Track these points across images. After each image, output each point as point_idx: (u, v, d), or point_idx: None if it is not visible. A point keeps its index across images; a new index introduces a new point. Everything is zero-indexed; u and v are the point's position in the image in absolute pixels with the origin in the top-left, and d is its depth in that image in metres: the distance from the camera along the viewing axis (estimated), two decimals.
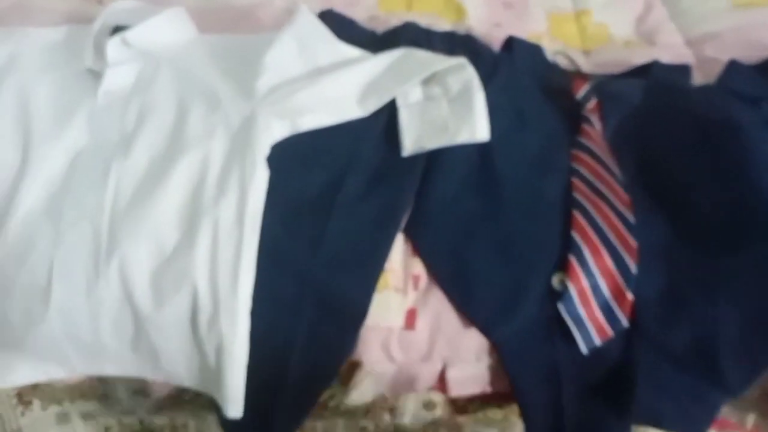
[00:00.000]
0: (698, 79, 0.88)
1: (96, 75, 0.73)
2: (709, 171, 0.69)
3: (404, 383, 0.71)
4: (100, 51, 0.74)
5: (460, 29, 0.93)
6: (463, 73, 0.71)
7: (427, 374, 0.69)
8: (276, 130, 0.68)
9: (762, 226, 0.63)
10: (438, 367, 0.69)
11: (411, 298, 0.66)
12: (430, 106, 0.71)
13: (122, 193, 0.65)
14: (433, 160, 0.69)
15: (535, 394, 0.66)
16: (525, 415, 0.66)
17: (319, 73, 0.72)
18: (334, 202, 0.66)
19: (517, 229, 0.67)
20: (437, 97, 0.71)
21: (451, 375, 0.69)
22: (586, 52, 0.96)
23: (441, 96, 0.71)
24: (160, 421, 0.94)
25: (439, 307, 0.65)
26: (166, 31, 0.77)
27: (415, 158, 0.69)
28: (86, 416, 0.90)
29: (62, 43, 0.78)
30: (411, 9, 0.96)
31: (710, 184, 0.68)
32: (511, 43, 0.86)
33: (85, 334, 0.64)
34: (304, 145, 0.69)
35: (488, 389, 0.72)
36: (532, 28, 0.96)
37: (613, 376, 0.65)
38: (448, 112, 0.70)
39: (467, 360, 0.68)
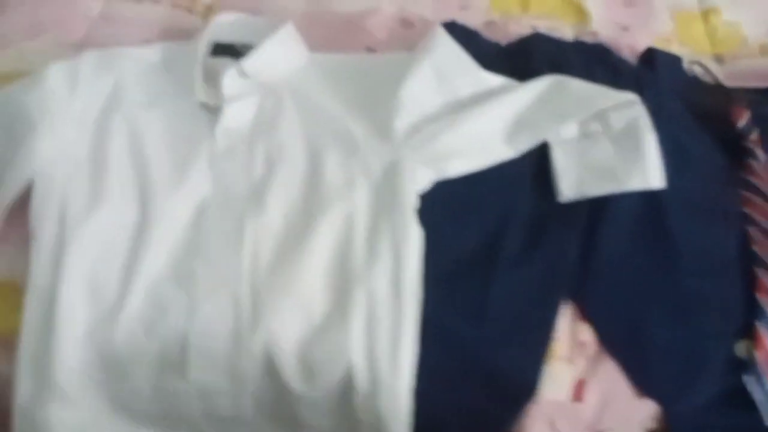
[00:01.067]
0: None
1: (209, 109, 0.66)
2: None
3: None
4: (209, 77, 0.66)
5: (585, 34, 0.84)
6: (630, 109, 0.63)
7: None
8: (422, 179, 0.61)
9: None
10: None
11: (579, 368, 0.60)
12: (590, 146, 0.63)
13: (261, 256, 0.59)
14: (597, 209, 0.62)
15: None
16: None
17: (460, 107, 0.64)
18: (496, 263, 0.59)
19: (694, 290, 0.60)
20: (597, 136, 0.63)
21: None
22: (718, 58, 0.87)
23: (601, 133, 0.63)
24: None
25: (609, 377, 0.59)
26: (282, 54, 0.68)
27: (575, 207, 0.62)
28: None
29: (162, 67, 0.69)
30: (527, 10, 0.87)
31: None
32: (651, 55, 0.77)
33: (224, 410, 0.58)
34: (451, 194, 0.61)
35: None
36: (659, 31, 0.87)
37: None
38: (612, 154, 0.62)
39: (631, 428, 0.63)
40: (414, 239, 0.58)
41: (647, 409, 0.61)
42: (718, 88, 0.79)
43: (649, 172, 0.61)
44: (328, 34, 0.77)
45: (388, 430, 0.55)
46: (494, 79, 0.66)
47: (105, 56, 0.69)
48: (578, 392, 0.59)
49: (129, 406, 0.59)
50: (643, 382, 0.59)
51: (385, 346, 0.55)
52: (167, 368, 0.58)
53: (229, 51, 0.72)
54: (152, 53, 0.71)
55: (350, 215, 0.59)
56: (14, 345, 0.59)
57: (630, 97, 0.63)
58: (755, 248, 0.62)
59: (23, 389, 0.57)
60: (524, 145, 0.63)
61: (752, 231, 0.63)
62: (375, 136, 0.63)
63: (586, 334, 0.60)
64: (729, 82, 0.83)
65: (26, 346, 0.58)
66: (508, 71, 0.69)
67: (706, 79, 0.82)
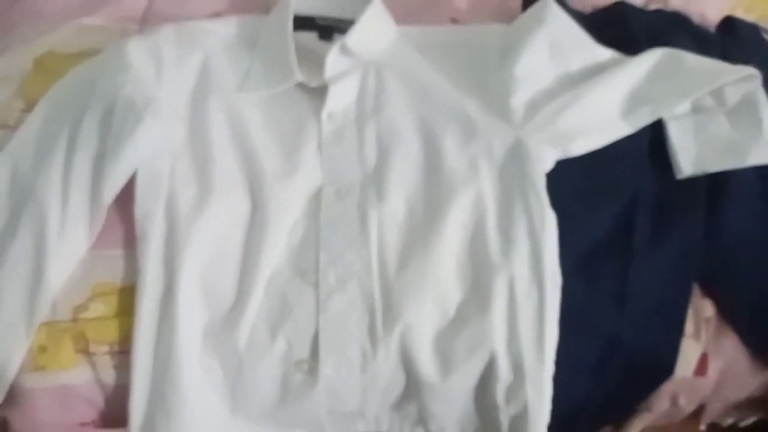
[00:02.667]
0: None
1: (304, 89, 0.62)
2: None
3: (665, 417, 0.67)
4: (301, 55, 0.62)
5: (655, 1, 0.83)
6: (746, 83, 0.62)
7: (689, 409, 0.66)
8: (548, 159, 0.59)
9: None
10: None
11: (703, 343, 0.60)
12: (706, 121, 0.62)
13: (388, 245, 0.56)
14: (718, 186, 0.61)
15: None
16: None
17: (574, 81, 0.62)
18: (631, 246, 0.58)
19: None
20: (711, 110, 0.63)
21: (713, 406, 0.66)
22: None
23: (716, 108, 0.63)
24: None
25: (732, 350, 0.60)
26: (378, 29, 0.64)
27: (695, 184, 0.61)
28: None
29: (245, 44, 0.64)
30: None
31: None
32: (729, 24, 0.77)
33: (350, 407, 0.57)
34: (580, 176, 0.60)
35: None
36: None
37: None
38: (730, 129, 0.61)
39: (741, 398, 0.64)
40: (550, 222, 0.56)
41: (761, 380, 0.62)
42: None
43: None
44: (407, 6, 0.73)
45: (531, 419, 0.55)
46: (605, 52, 0.64)
47: (184, 32, 0.63)
48: (701, 367, 0.60)
49: (248, 407, 0.57)
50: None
51: (529, 335, 0.54)
52: (294, 367, 0.55)
53: (310, 24, 0.68)
54: (230, 28, 0.66)
55: (478, 200, 0.57)
56: (126, 353, 0.55)
57: (751, 71, 0.62)
58: None
59: (138, 399, 0.54)
60: (643, 120, 0.62)
61: None
62: (492, 115, 0.60)
63: (710, 310, 0.61)
64: None
65: (141, 353, 0.55)
66: (601, 41, 0.67)
67: None
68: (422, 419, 0.58)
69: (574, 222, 0.58)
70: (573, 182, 0.60)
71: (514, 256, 0.55)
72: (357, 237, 0.56)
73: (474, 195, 0.57)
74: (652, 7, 0.82)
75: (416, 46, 0.66)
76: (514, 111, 0.60)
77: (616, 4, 0.74)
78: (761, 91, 0.62)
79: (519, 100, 0.60)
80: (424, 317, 0.55)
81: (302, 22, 0.67)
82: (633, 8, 0.73)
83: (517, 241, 0.56)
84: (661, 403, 0.61)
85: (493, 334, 0.54)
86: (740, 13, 0.85)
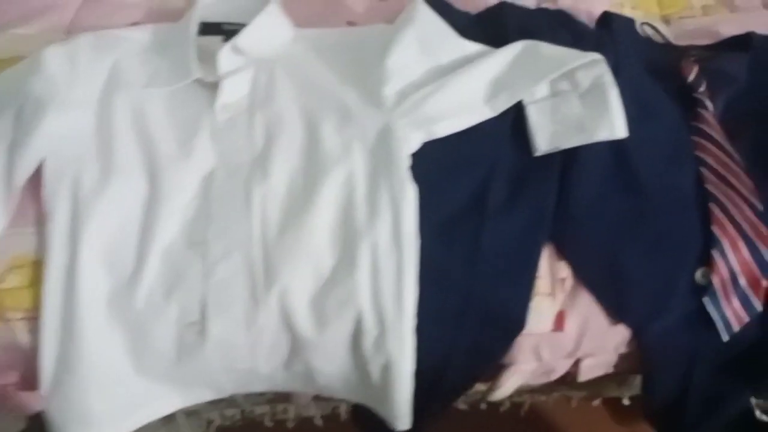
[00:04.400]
0: None
1: (204, 85, 0.70)
2: None
3: (541, 375, 0.73)
4: (201, 55, 0.70)
5: (545, 1, 0.90)
6: (595, 68, 0.69)
7: (565, 366, 0.72)
8: (413, 140, 0.67)
9: None
10: (575, 359, 0.71)
11: (559, 301, 0.67)
12: (561, 103, 0.70)
13: (269, 218, 0.64)
14: (569, 160, 0.69)
15: (667, 375, 0.70)
16: (650, 389, 0.70)
17: (443, 73, 0.69)
18: (485, 211, 0.65)
19: (664, 227, 0.67)
20: (566, 93, 0.70)
21: (585, 364, 0.72)
22: (666, 19, 0.95)
23: (571, 91, 0.70)
24: (260, 410, 0.96)
25: (586, 308, 0.67)
26: (271, 31, 0.73)
27: (550, 159, 0.69)
28: (190, 413, 0.92)
29: (156, 48, 0.73)
30: None
31: None
32: (607, 19, 0.84)
33: (241, 364, 0.64)
34: (442, 153, 0.67)
35: (611, 371, 0.75)
36: None
37: (746, 354, 0.69)
38: (581, 109, 0.69)
39: (606, 352, 0.71)
40: (410, 195, 0.64)
41: (620, 335, 0.69)
42: (668, 47, 0.87)
43: (615, 124, 0.67)
44: (309, 12, 0.81)
45: (397, 366, 0.62)
46: (472, 46, 0.72)
47: (101, 39, 0.72)
48: (559, 323, 0.67)
49: (152, 367, 0.64)
50: (619, 310, 0.67)
51: (390, 292, 0.62)
52: (187, 328, 0.63)
53: (217, 30, 0.76)
54: (145, 35, 0.74)
55: (350, 177, 0.65)
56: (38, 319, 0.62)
57: (595, 56, 0.69)
58: (708, 187, 0.70)
59: (47, 361, 0.62)
60: (503, 105, 0.69)
61: (705, 172, 0.71)
62: (367, 104, 0.68)
63: (565, 271, 0.68)
64: (677, 41, 0.91)
65: (49, 319, 0.62)
66: (482, 39, 0.75)
67: (657, 39, 0.89)
68: (309, 376, 0.65)
69: (436, 192, 0.66)
70: (438, 158, 0.67)
71: (378, 224, 0.63)
72: (242, 211, 0.64)
73: (346, 172, 0.65)
74: (544, 5, 0.90)
75: (311, 46, 0.74)
76: (385, 98, 0.67)
77: (497, 5, 0.82)
78: (609, 75, 0.70)
79: (391, 89, 0.68)
80: (300, 279, 0.62)
81: (210, 28, 0.75)
82: (512, 8, 0.81)
83: (381, 211, 0.63)
84: (524, 356, 0.68)
85: (359, 292, 0.61)
86: (627, 11, 0.93)
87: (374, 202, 0.63)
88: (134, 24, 0.79)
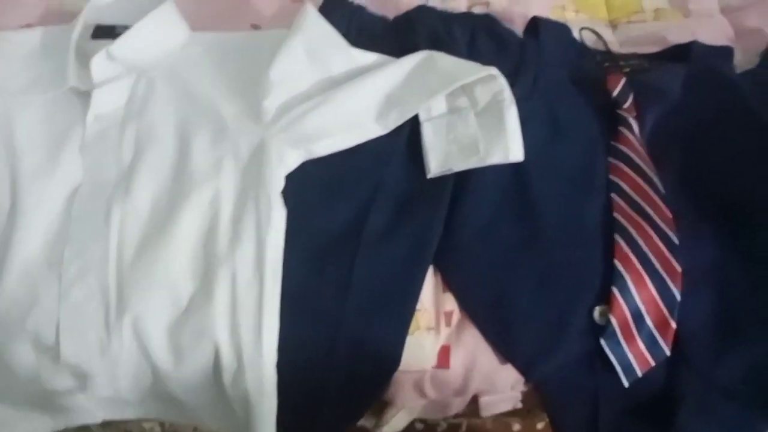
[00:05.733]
0: (737, 54, 0.81)
1: (81, 95, 0.66)
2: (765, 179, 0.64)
3: (436, 411, 0.69)
4: (84, 63, 0.66)
5: (478, 4, 0.84)
6: (493, 83, 0.64)
7: (460, 403, 0.68)
8: (290, 160, 0.62)
9: None
10: (470, 397, 0.66)
11: (444, 336, 0.62)
12: (457, 121, 0.64)
13: (127, 240, 0.60)
14: (462, 182, 0.63)
15: (571, 417, 0.64)
16: (558, 430, 0.65)
17: (332, 85, 0.64)
18: (360, 237, 0.60)
19: (557, 259, 0.62)
20: (464, 110, 0.64)
21: (484, 400, 0.67)
22: (614, 24, 0.88)
23: (468, 109, 0.64)
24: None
25: (473, 344, 0.62)
26: (156, 35, 0.68)
27: (442, 181, 0.63)
28: (105, 425, 0.89)
29: (42, 51, 0.69)
30: None
31: None
32: (536, 24, 0.78)
33: (103, 391, 0.60)
34: (322, 174, 0.63)
35: (519, 406, 0.70)
36: None
37: (654, 401, 0.63)
38: (477, 129, 0.63)
39: (502, 391, 0.65)
40: (276, 221, 0.59)
41: (514, 373, 0.63)
42: (606, 56, 0.80)
43: (510, 147, 0.62)
44: (214, 12, 0.77)
45: (256, 405, 0.58)
46: (365, 57, 0.67)
47: None
48: (443, 359, 0.62)
49: (10, 390, 0.61)
50: (506, 348, 0.61)
51: (249, 325, 0.57)
52: (43, 350, 0.59)
53: (110, 33, 0.72)
54: (33, 37, 0.71)
55: (216, 198, 0.60)
56: None
57: (491, 71, 0.63)
58: (617, 216, 0.64)
59: None
60: (393, 122, 0.64)
61: (616, 199, 0.65)
62: (246, 117, 0.63)
63: (451, 303, 0.62)
64: (621, 48, 0.84)
65: None
66: (394, 47, 0.70)
67: (599, 46, 0.83)
68: (178, 406, 0.62)
69: (311, 217, 0.61)
70: (317, 180, 0.63)
71: (239, 250, 0.58)
72: (100, 231, 0.60)
73: (212, 192, 0.61)
74: (475, 8, 0.84)
75: (205, 51, 0.70)
76: (265, 112, 0.63)
77: (414, 9, 0.76)
78: (507, 91, 0.64)
79: (272, 102, 0.63)
80: (155, 307, 0.58)
81: (104, 31, 0.71)
82: (428, 13, 0.75)
83: (244, 237, 0.59)
84: (406, 393, 0.63)
85: (216, 324, 0.57)
86: (570, 14, 0.87)
87: (238, 227, 0.59)
88: (28, 25, 0.75)
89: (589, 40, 0.82)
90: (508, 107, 0.63)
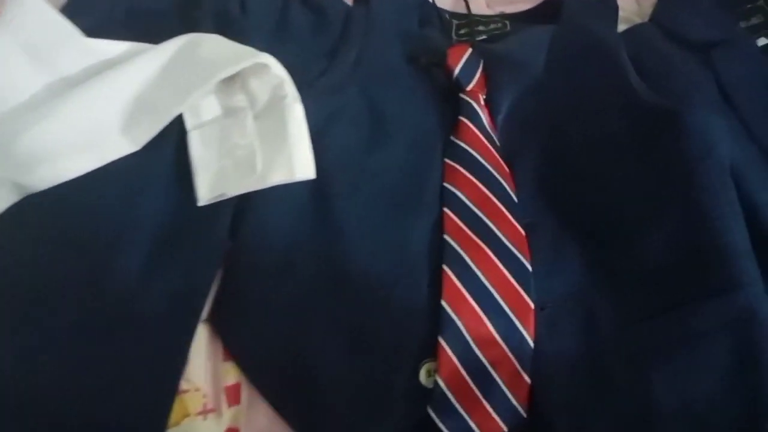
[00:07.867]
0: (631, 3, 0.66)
1: None
2: (642, 183, 0.48)
3: None
4: None
5: None
6: (269, 75, 0.47)
7: None
8: None
9: (718, 273, 0.44)
10: None
11: (227, 418, 0.47)
12: (232, 127, 0.48)
13: None
14: (246, 205, 0.48)
15: None
16: None
17: (64, 88, 0.48)
18: (113, 295, 0.44)
19: (371, 302, 0.46)
20: (241, 111, 0.48)
21: None
22: None
23: (246, 109, 0.48)
24: None
25: (268, 425, 0.47)
26: None
27: (218, 209, 0.48)
28: None
29: None
30: None
31: (646, 205, 0.48)
32: None
33: None
34: (45, 213, 0.46)
35: None
36: None
37: None
38: (254, 138, 0.47)
39: None
40: None
41: None
42: (459, 19, 0.64)
43: (294, 162, 0.46)
44: None
45: None
46: (112, 48, 0.50)
47: None
48: None
49: None
50: (309, 428, 0.46)
51: None
52: None
53: None
54: None
55: None
56: None
57: (261, 58, 0.47)
58: (448, 237, 0.48)
59: None
60: (146, 134, 0.47)
61: (449, 215, 0.49)
62: None
63: (234, 374, 0.47)
64: (491, 7, 0.68)
65: None
66: (174, 28, 0.53)
67: (459, 8, 0.66)
68: None
69: (32, 274, 0.45)
70: (38, 219, 0.46)
71: None
72: None
73: None
74: None
75: None
76: None
77: None
78: (289, 85, 0.47)
79: None
80: None
81: None
82: None
83: None
84: None
85: None
86: None
87: None
88: None
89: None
90: (290, 107, 0.46)
